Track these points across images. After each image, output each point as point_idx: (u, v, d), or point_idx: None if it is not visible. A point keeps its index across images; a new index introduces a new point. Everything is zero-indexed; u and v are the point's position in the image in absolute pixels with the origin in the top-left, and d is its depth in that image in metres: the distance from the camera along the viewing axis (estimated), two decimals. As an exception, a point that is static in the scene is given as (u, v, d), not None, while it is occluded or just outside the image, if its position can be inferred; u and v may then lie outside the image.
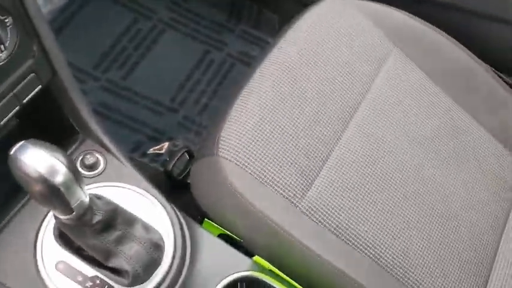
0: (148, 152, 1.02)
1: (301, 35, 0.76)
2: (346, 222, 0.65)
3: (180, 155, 0.84)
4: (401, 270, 0.65)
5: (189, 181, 0.73)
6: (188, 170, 0.83)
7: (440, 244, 0.68)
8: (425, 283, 0.65)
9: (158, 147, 1.03)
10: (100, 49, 1.12)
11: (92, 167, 0.61)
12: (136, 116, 1.06)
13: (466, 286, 0.67)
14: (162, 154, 1.02)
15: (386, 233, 0.66)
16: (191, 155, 0.84)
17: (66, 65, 0.57)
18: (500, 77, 0.87)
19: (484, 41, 0.90)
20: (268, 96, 0.69)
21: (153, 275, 0.54)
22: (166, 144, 1.03)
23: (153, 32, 1.16)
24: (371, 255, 0.64)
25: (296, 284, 0.60)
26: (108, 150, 0.62)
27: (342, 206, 0.65)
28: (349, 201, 0.66)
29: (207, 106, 1.10)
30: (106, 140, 0.62)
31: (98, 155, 0.61)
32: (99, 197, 0.54)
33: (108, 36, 1.14)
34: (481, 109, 0.82)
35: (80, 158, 0.61)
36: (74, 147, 0.61)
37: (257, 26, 1.22)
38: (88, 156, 0.60)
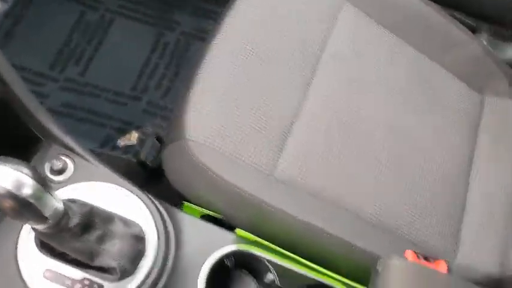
0: (118, 145, 1.01)
1: (251, 3, 0.75)
2: (321, 182, 0.66)
3: (150, 142, 0.84)
4: (380, 219, 0.67)
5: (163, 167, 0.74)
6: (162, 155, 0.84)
7: (415, 190, 0.70)
8: (403, 228, 0.67)
9: (127, 137, 1.02)
10: (53, 48, 1.09)
11: (61, 172, 0.60)
12: (100, 110, 1.05)
13: (442, 226, 0.69)
14: (132, 144, 1.02)
15: (361, 185, 0.68)
16: (162, 141, 0.84)
17: (15, 73, 0.56)
18: (451, 15, 0.88)
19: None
20: (226, 72, 0.69)
21: (140, 266, 0.55)
22: (135, 134, 1.03)
23: (102, 23, 1.14)
24: (349, 209, 0.66)
25: (280, 249, 0.62)
26: (74, 152, 0.61)
27: (314, 167, 0.66)
28: (322, 161, 0.67)
29: (169, 89, 1.09)
30: (71, 142, 0.62)
31: (65, 159, 0.61)
32: (73, 201, 0.54)
33: (58, 34, 1.11)
34: (439, 51, 0.83)
35: (48, 165, 0.60)
36: (39, 154, 0.61)
37: (208, -1, 1.20)
38: (55, 161, 0.60)
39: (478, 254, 0.68)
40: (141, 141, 1.01)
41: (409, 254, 0.51)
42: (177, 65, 1.13)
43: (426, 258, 0.51)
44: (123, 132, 1.03)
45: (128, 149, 1.01)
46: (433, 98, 0.79)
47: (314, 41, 0.75)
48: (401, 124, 0.74)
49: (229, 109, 0.66)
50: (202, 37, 1.15)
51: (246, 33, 0.72)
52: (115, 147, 1.01)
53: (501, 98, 0.83)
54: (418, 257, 0.51)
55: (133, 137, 1.02)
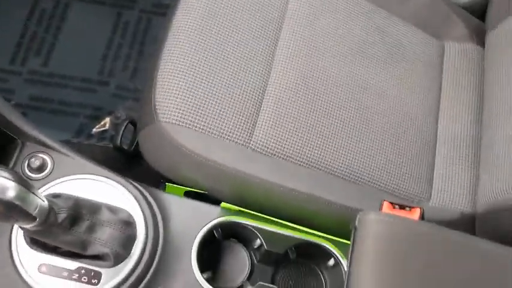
0: (93, 133, 1.01)
1: None
2: (296, 146, 0.68)
3: (124, 126, 0.84)
4: (354, 174, 0.70)
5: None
6: (137, 139, 0.84)
7: (386, 140, 0.73)
8: (378, 180, 0.70)
9: (101, 124, 1.02)
10: (10, 42, 1.07)
11: (40, 169, 0.61)
12: (70, 99, 1.04)
13: (415, 172, 0.73)
14: (107, 130, 1.02)
15: (332, 143, 0.70)
16: (136, 124, 0.85)
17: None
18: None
19: None
20: (189, 49, 0.69)
21: (133, 249, 0.57)
22: (108, 119, 1.03)
23: (58, 9, 1.11)
24: (326, 170, 0.68)
25: (265, 216, 0.64)
26: (50, 147, 0.62)
27: (288, 133, 0.68)
28: (294, 126, 0.69)
29: (136, 70, 1.08)
30: (45, 138, 0.62)
31: (42, 156, 0.61)
32: (57, 196, 0.55)
33: (14, 26, 1.08)
34: (396, 3, 0.84)
35: (26, 164, 0.61)
36: (15, 155, 0.61)
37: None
38: (33, 159, 0.61)
39: (449, 195, 0.72)
40: (115, 126, 1.01)
41: (385, 205, 0.53)
42: (141, 44, 1.12)
43: (402, 207, 0.53)
44: (96, 119, 1.02)
45: (102, 135, 1.01)
46: (395, 49, 0.81)
47: (274, 7, 0.75)
48: (366, 78, 0.76)
49: (198, 86, 0.67)
50: (162, 12, 1.14)
51: (205, 7, 0.72)
52: (90, 135, 1.01)
53: (460, 42, 0.86)
54: (393, 207, 0.53)
55: (106, 123, 1.02)
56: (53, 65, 1.06)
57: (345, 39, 0.77)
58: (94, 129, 1.02)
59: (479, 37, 0.86)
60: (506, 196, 0.65)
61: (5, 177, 0.44)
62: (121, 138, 0.83)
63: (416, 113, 0.77)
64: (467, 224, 0.71)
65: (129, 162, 0.85)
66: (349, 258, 0.44)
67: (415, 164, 0.73)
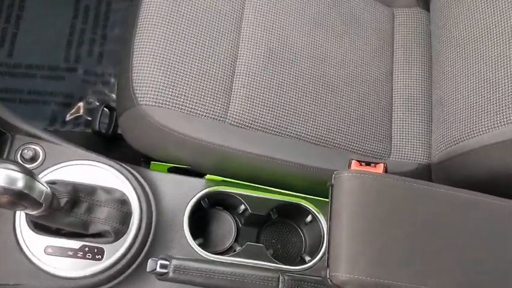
0: (67, 119, 1.04)
1: None
2: (268, 117, 0.74)
3: (101, 111, 0.87)
4: (323, 138, 0.76)
5: (119, 132, 0.79)
6: (114, 121, 0.87)
7: (349, 104, 0.79)
8: (345, 141, 0.77)
9: (74, 110, 1.04)
10: (-31, 35, 1.06)
11: (33, 159, 0.64)
12: (39, 88, 1.05)
13: (376, 131, 0.80)
14: (81, 116, 1.04)
15: (300, 111, 0.76)
16: (110, 108, 0.88)
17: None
18: None
19: None
20: (162, 32, 0.72)
21: (130, 225, 0.63)
22: (80, 105, 1.05)
23: (15, -3, 1.10)
24: (297, 136, 0.75)
25: (247, 183, 0.70)
26: (39, 138, 0.65)
27: (260, 106, 0.74)
28: (265, 98, 0.74)
29: (102, 54, 1.10)
30: (33, 129, 0.65)
31: (33, 146, 0.65)
32: (55, 182, 0.60)
33: (-30, 19, 1.07)
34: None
35: (19, 155, 0.64)
36: (7, 148, 0.64)
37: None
38: (26, 151, 0.64)
39: (407, 149, 0.81)
40: (88, 111, 1.04)
41: (353, 163, 0.60)
42: (103, 27, 1.13)
43: (368, 163, 0.60)
44: (67, 106, 1.04)
45: (77, 121, 1.04)
46: (350, 19, 0.87)
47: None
48: (326, 48, 0.82)
49: (173, 68, 0.71)
50: (122, -6, 1.15)
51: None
52: (64, 122, 1.03)
53: (407, 7, 0.93)
54: (360, 164, 0.60)
55: (79, 109, 1.05)
56: (18, 56, 1.06)
57: (304, 13, 0.82)
58: (68, 116, 1.04)
59: (426, 2, 0.93)
60: (455, 146, 0.73)
61: (13, 169, 0.48)
62: (98, 123, 0.86)
63: (373, 77, 0.84)
64: (425, 173, 0.80)
65: (108, 144, 0.89)
66: (329, 211, 0.51)
67: (376, 124, 0.81)
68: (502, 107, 0.67)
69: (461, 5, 0.80)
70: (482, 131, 0.69)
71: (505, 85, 0.68)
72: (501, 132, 0.66)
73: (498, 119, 0.67)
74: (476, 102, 0.72)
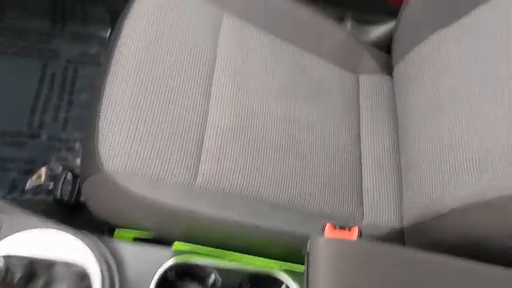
0: (27, 187, 0.99)
1: (140, 25, 0.78)
2: (239, 181, 0.72)
3: (63, 178, 0.84)
4: (296, 203, 0.75)
5: (82, 200, 0.75)
6: (78, 188, 0.84)
7: (318, 169, 0.79)
8: (317, 206, 0.76)
9: (35, 177, 1.00)
10: None
11: (-13, 230, 0.60)
12: (0, 155, 1.01)
13: (348, 195, 0.79)
14: (42, 183, 1.00)
15: (271, 176, 0.75)
16: (74, 174, 0.85)
17: None
18: (319, 9, 0.98)
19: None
20: (128, 96, 0.71)
21: (91, 301, 0.58)
22: (42, 172, 1.01)
23: (-20, 64, 1.09)
24: (269, 201, 0.73)
25: (218, 250, 0.67)
26: (-5, 207, 0.61)
27: (231, 170, 0.72)
28: (235, 162, 0.73)
29: (67, 120, 1.08)
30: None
31: (-12, 217, 0.61)
32: (10, 256, 0.55)
33: None
34: (313, 43, 0.92)
35: (-29, 227, 0.60)
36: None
37: (86, 22, 1.19)
38: (-21, 222, 0.60)
39: (379, 213, 0.80)
40: (51, 178, 1.00)
41: (327, 228, 0.59)
42: (70, 93, 1.12)
43: (342, 227, 0.59)
44: (29, 172, 1.00)
45: (37, 189, 0.99)
46: (317, 85, 0.89)
47: (205, 51, 0.80)
48: (295, 114, 0.83)
49: (141, 131, 0.69)
50: (89, 62, 1.15)
51: (139, 54, 0.75)
52: (25, 191, 0.99)
53: (372, 74, 0.96)
54: (335, 227, 0.59)
55: (41, 176, 1.01)
56: (-21, 122, 1.03)
57: (273, 80, 0.84)
58: (28, 184, 0.99)
59: (388, 69, 0.97)
60: (426, 210, 0.73)
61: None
62: (60, 190, 0.83)
63: (342, 142, 0.85)
64: (398, 237, 0.79)
65: (70, 213, 0.84)
66: (305, 280, 0.48)
67: (347, 188, 0.80)
68: (470, 170, 0.68)
69: (422, 73, 0.83)
70: (452, 194, 0.69)
71: (469, 149, 0.69)
72: (470, 194, 0.66)
73: (467, 181, 0.68)
74: (442, 166, 0.73)
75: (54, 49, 1.15)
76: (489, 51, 0.72)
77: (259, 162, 0.75)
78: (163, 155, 0.69)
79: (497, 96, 0.68)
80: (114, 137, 0.68)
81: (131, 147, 0.68)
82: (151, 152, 0.69)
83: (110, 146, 0.68)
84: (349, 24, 1.02)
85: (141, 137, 0.69)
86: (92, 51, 1.17)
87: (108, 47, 0.80)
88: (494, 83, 0.69)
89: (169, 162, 0.69)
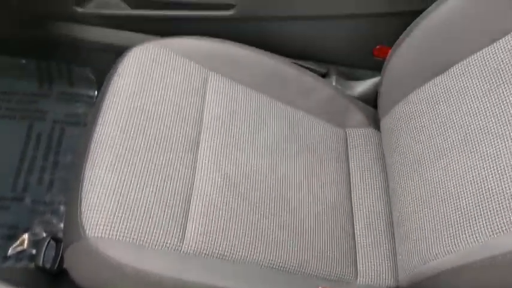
0: (9, 254, 0.96)
1: (126, 86, 0.78)
2: (228, 244, 0.70)
3: (46, 244, 0.81)
4: (289, 265, 0.73)
5: (65, 266, 0.72)
6: (61, 255, 0.81)
7: (310, 231, 0.77)
8: (311, 267, 0.74)
9: (18, 243, 0.97)
10: None
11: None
12: (-19, 220, 0.98)
13: (342, 257, 0.77)
14: (25, 249, 0.97)
15: (262, 238, 0.73)
16: (57, 240, 0.82)
17: None
18: (302, 65, 1.00)
19: (280, 38, 1.02)
20: (113, 160, 0.70)
21: None
22: (25, 237, 0.98)
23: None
24: (260, 264, 0.71)
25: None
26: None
27: (219, 232, 0.70)
28: (224, 225, 0.71)
29: (52, 182, 1.06)
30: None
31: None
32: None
33: None
34: (300, 99, 0.92)
35: None
36: None
37: (72, 83, 1.20)
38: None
39: (373, 272, 0.77)
40: (34, 243, 0.97)
41: (321, 291, 0.57)
42: (56, 154, 1.10)
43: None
44: (11, 238, 0.97)
45: (20, 255, 0.96)
46: (305, 141, 0.88)
47: (192, 112, 0.80)
48: (283, 171, 0.82)
49: (124, 197, 0.68)
50: (76, 122, 1.15)
51: (124, 117, 0.74)
52: (7, 257, 0.95)
53: (359, 128, 0.96)
54: (328, 292, 0.57)
55: (24, 241, 0.97)
56: (-39, 186, 1.01)
57: (260, 138, 0.83)
58: (10, 250, 0.96)
59: (376, 122, 0.97)
60: (421, 268, 0.71)
61: None
62: (43, 257, 0.79)
63: (333, 199, 0.83)
64: (394, 297, 0.76)
65: (53, 281, 0.81)
66: None
67: (339, 247, 0.78)
68: (463, 226, 0.67)
69: (407, 127, 0.83)
70: (446, 252, 0.67)
71: (462, 204, 0.68)
72: (467, 252, 0.64)
73: (462, 238, 0.66)
74: (432, 223, 0.71)
75: (40, 110, 1.15)
76: (470, 107, 0.72)
77: (248, 223, 0.73)
78: (148, 221, 0.67)
79: (485, 150, 0.68)
80: (97, 203, 0.66)
81: (115, 214, 0.66)
82: (135, 219, 0.67)
83: (92, 213, 0.66)
84: (334, 79, 1.03)
85: (125, 203, 0.67)
86: (79, 111, 1.16)
87: (93, 108, 0.79)
88: (478, 138, 0.69)
89: (154, 228, 0.67)
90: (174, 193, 0.71)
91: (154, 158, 0.73)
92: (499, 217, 0.62)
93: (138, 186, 0.69)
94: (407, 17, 0.83)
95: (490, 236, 0.62)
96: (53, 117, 1.14)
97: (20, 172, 1.06)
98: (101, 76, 0.85)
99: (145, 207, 0.68)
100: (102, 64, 0.89)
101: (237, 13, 0.97)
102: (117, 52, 0.86)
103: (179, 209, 0.70)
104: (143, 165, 0.71)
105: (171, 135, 0.76)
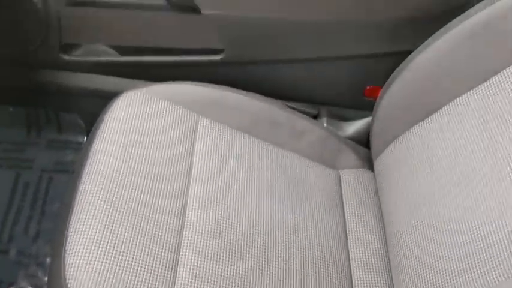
0: (-9, 311, 0.92)
1: (113, 134, 0.77)
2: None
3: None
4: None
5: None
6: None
7: (307, 275, 0.74)
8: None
9: (1, 298, 0.93)
10: None
11: None
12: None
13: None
14: (9, 305, 0.93)
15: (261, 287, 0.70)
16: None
17: None
18: (293, 107, 0.99)
19: (270, 81, 1.02)
20: (98, 213, 0.68)
21: None
22: (10, 292, 0.94)
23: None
24: None
25: None
26: None
27: (213, 283, 0.67)
28: (218, 275, 0.68)
29: (39, 232, 1.03)
30: None
31: None
32: None
33: None
34: (292, 142, 0.91)
35: None
36: None
37: (61, 129, 1.18)
38: None
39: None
40: (18, 299, 0.93)
41: None
42: (43, 203, 1.07)
43: None
44: (-6, 293, 0.93)
45: (3, 312, 0.92)
46: (298, 184, 0.86)
47: (181, 159, 0.78)
48: (277, 216, 0.79)
49: (110, 252, 0.65)
50: (63, 169, 1.12)
51: (111, 167, 0.73)
52: (-11, 314, 0.91)
53: (353, 169, 0.94)
54: None
55: (7, 297, 0.93)
56: None
57: (252, 183, 0.81)
58: (-8, 307, 0.92)
59: (369, 163, 0.95)
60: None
61: None
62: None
63: (328, 243, 0.80)
64: None
65: None
66: None
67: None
68: (461, 272, 0.64)
69: (401, 168, 0.82)
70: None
71: (457, 250, 0.66)
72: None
73: (460, 285, 0.63)
74: (432, 268, 0.68)
75: (28, 158, 1.13)
76: (464, 148, 0.71)
77: (241, 273, 0.70)
78: (135, 278, 0.64)
79: (481, 192, 0.66)
80: (81, 259, 0.64)
81: (100, 270, 0.63)
82: (121, 277, 0.64)
83: (77, 268, 0.63)
84: (325, 120, 1.02)
85: (111, 259, 0.65)
86: (68, 159, 1.14)
87: (80, 155, 0.78)
88: (476, 177, 0.68)
89: (141, 285, 0.64)
90: (163, 246, 0.68)
91: (141, 210, 0.70)
92: (497, 264, 0.60)
93: (124, 240, 0.67)
94: (397, 57, 0.83)
95: (490, 283, 0.59)
96: (41, 165, 1.12)
97: (6, 223, 1.03)
98: (90, 122, 0.84)
99: (132, 262, 0.65)
100: (91, 110, 0.88)
101: (226, 57, 0.97)
102: (106, 97, 0.85)
103: (168, 264, 0.67)
104: (130, 218, 0.69)
105: (159, 186, 0.74)
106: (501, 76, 0.69)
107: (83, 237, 0.65)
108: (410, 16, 0.91)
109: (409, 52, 0.80)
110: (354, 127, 1.02)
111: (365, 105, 1.02)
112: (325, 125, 1.01)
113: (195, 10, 0.91)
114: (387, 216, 0.84)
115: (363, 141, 0.99)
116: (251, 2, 0.91)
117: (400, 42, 0.93)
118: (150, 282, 0.64)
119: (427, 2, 0.89)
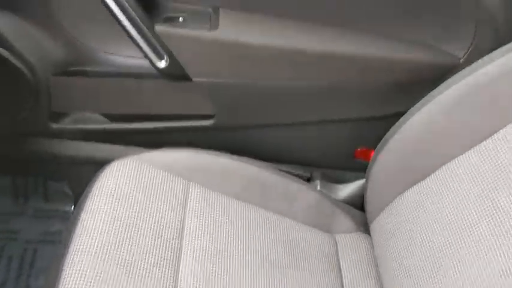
0: None
1: (100, 208, 0.74)
2: None
3: None
4: None
5: None
6: None
7: None
8: None
9: None
10: None
11: None
12: None
13: None
14: None
15: None
16: None
17: None
18: (285, 170, 0.98)
19: (262, 144, 1.02)
20: (90, 277, 0.65)
21: None
22: None
23: None
24: None
25: None
26: None
27: None
28: None
29: (22, 308, 0.98)
30: None
31: None
32: None
33: None
34: (285, 207, 0.89)
35: None
36: None
37: (48, 198, 1.15)
38: None
39: None
40: None
41: None
42: (27, 277, 1.03)
43: None
44: None
45: None
46: (293, 250, 0.84)
47: (171, 231, 0.76)
48: (273, 284, 0.76)
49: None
50: (50, 240, 1.09)
51: (99, 242, 0.70)
52: None
53: (349, 233, 0.92)
54: None
55: None
56: None
57: (246, 251, 0.79)
58: None
59: (365, 226, 0.93)
60: None
61: None
62: None
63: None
64: None
65: None
66: None
67: None
68: None
69: (398, 231, 0.80)
70: None
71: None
72: None
73: None
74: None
75: (12, 230, 1.09)
76: (462, 213, 0.70)
77: None
78: None
79: (484, 253, 0.64)
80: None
81: None
82: None
83: None
84: (318, 183, 1.01)
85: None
86: (54, 229, 1.11)
87: (68, 226, 0.75)
88: (475, 239, 0.66)
89: None
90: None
91: (130, 281, 0.67)
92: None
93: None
94: (389, 120, 0.83)
95: None
96: (26, 237, 1.09)
97: (-13, 300, 0.98)
98: (79, 190, 0.82)
99: None
100: (81, 177, 0.86)
101: (216, 123, 0.97)
102: (96, 165, 0.84)
103: None
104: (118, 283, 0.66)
105: (147, 261, 0.71)
106: (492, 141, 0.69)
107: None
108: (401, 80, 0.92)
109: (401, 114, 0.80)
110: (347, 190, 1.01)
111: (357, 167, 1.02)
112: (318, 188, 1.00)
113: (186, 77, 0.92)
114: (386, 282, 0.81)
115: (358, 203, 0.98)
116: (241, 69, 0.92)
117: (392, 105, 0.94)
118: None
119: (418, 67, 0.91)
